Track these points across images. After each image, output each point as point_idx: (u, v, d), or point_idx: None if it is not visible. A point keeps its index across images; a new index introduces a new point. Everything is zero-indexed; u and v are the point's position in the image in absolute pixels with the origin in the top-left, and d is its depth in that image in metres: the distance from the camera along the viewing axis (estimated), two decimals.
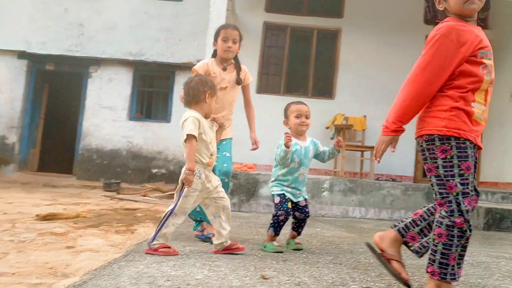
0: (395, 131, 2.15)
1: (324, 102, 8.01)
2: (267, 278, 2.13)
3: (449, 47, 1.93)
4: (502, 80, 7.68)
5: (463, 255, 1.91)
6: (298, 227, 3.13)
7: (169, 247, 2.67)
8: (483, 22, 2.09)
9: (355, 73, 8.03)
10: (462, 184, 1.87)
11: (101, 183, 8.08)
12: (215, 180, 2.83)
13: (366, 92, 7.85)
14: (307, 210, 3.08)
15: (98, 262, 2.41)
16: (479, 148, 1.97)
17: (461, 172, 1.88)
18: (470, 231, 1.87)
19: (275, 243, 2.98)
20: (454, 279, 1.90)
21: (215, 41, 3.42)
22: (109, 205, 5.63)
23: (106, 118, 9.03)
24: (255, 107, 8.06)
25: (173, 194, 6.84)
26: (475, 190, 1.94)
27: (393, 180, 7.51)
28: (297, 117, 3.07)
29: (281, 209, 2.96)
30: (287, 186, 3.04)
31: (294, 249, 3.04)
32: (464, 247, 1.89)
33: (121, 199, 6.34)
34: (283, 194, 3.01)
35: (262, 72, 8.32)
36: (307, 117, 3.08)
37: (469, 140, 1.90)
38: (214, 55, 3.51)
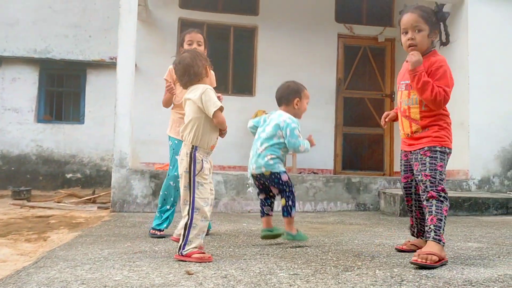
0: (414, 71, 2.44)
1: (245, 99, 8.00)
2: (192, 274, 2.03)
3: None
4: None
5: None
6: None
7: (203, 253, 2.38)
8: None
9: (274, 69, 8.11)
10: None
11: (9, 191, 7.41)
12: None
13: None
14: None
15: (4, 272, 2.16)
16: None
17: None
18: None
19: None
20: None
21: (181, 46, 3.57)
22: (18, 214, 5.18)
23: (11, 121, 8.30)
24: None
25: (90, 199, 6.53)
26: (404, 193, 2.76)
27: (315, 173, 7.70)
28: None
29: (292, 184, 3.04)
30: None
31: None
32: None
33: (32, 207, 5.85)
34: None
35: None
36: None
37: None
38: None
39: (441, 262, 2.28)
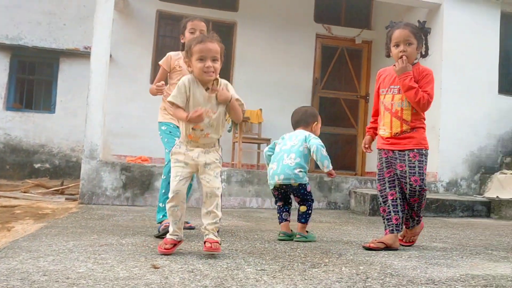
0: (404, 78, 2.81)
1: None
2: (158, 267, 2.01)
3: None
4: None
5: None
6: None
7: (167, 242, 2.40)
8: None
9: (251, 67, 8.11)
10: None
11: None
12: (207, 158, 2.45)
13: (262, 85, 7.96)
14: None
15: None
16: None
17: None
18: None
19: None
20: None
21: (182, 34, 3.35)
22: None
23: None
24: (148, 98, 7.76)
25: (58, 190, 6.39)
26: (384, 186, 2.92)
27: None
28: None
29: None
30: None
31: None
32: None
33: None
34: None
35: (156, 62, 7.98)
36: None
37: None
38: (183, 48, 3.26)
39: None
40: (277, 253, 2.53)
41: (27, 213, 4.31)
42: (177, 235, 2.44)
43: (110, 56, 6.02)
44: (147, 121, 7.48)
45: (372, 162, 8.41)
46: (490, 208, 5.54)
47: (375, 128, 3.04)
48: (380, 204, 2.93)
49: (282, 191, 3.21)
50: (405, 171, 2.78)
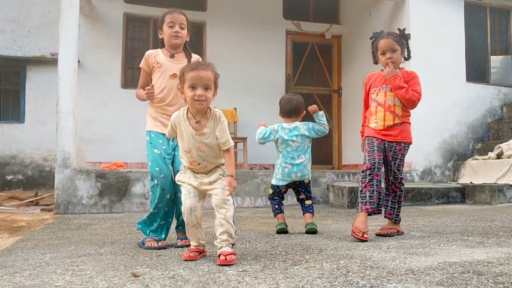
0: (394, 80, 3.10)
1: None
2: (138, 276, 1.98)
3: None
4: (355, 71, 8.39)
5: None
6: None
7: (191, 249, 2.44)
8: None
9: (223, 66, 8.01)
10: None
11: None
12: (211, 178, 2.42)
13: (234, 84, 7.94)
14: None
15: None
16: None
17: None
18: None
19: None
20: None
21: (160, 29, 3.08)
22: None
23: None
24: (121, 102, 7.68)
25: (32, 201, 6.24)
26: (374, 167, 3.06)
27: (266, 168, 7.74)
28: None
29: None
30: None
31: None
32: None
33: None
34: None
35: (126, 66, 7.92)
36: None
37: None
38: (162, 44, 3.12)
39: (398, 232, 3.13)
40: (258, 253, 2.53)
41: (1, 227, 4.20)
42: (203, 246, 2.45)
43: (79, 61, 5.90)
44: (120, 126, 7.39)
45: (348, 155, 8.51)
46: (464, 194, 5.68)
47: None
48: (363, 180, 3.06)
49: (291, 187, 3.50)
50: (390, 161, 3.13)
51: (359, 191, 3.08)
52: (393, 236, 3.09)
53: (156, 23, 7.97)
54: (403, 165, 3.16)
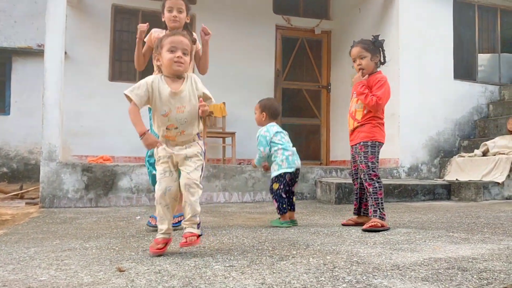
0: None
1: None
2: (124, 270, 1.96)
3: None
4: (344, 66, 8.40)
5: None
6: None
7: (157, 240, 2.36)
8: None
9: (212, 60, 7.87)
10: None
11: None
12: (188, 152, 2.40)
13: (223, 79, 7.90)
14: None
15: None
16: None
17: None
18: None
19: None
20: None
21: (162, 13, 3.42)
22: None
23: None
24: (108, 95, 7.60)
25: (17, 195, 6.16)
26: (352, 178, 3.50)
27: None
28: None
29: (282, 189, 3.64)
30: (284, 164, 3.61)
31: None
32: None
33: None
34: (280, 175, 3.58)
35: (114, 58, 7.84)
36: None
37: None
38: (165, 26, 3.46)
39: (383, 227, 3.16)
40: (245, 248, 2.53)
41: None
42: (169, 234, 2.40)
43: (66, 53, 5.82)
44: (107, 119, 7.31)
45: (336, 151, 8.54)
46: (450, 191, 5.73)
47: None
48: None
49: (292, 177, 3.58)
50: (358, 161, 3.34)
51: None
52: (379, 231, 3.13)
53: (145, 15, 7.95)
54: (367, 162, 3.27)
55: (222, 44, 8.15)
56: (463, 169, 6.29)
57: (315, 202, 5.63)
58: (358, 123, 3.33)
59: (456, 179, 6.05)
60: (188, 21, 3.46)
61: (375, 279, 1.80)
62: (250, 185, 5.86)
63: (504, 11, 7.86)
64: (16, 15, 8.03)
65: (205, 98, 2.46)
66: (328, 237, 2.91)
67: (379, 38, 3.39)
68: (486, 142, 6.32)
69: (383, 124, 3.37)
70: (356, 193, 3.46)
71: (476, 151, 6.34)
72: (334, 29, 8.82)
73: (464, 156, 6.50)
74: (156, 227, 2.80)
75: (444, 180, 6.19)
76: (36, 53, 7.82)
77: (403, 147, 6.61)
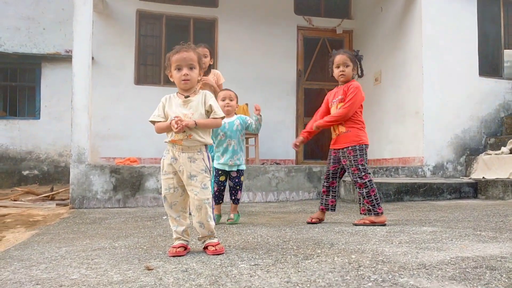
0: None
1: None
2: (152, 269, 2.02)
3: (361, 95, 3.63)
4: (366, 66, 8.33)
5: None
6: (230, 195, 3.79)
7: (175, 247, 2.40)
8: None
9: (234, 61, 8.10)
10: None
11: None
12: (192, 169, 2.42)
13: (246, 80, 7.96)
14: (237, 180, 3.77)
15: None
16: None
17: None
18: None
19: (215, 211, 3.66)
20: None
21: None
22: None
23: None
24: (134, 98, 7.76)
25: (48, 196, 6.35)
26: (327, 177, 3.71)
27: (277, 163, 7.76)
28: (222, 100, 3.75)
29: (214, 181, 3.71)
30: (221, 157, 3.74)
31: (229, 224, 3.66)
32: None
33: None
34: (216, 168, 3.74)
35: (139, 62, 7.99)
36: (231, 100, 3.77)
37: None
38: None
39: (380, 222, 3.41)
40: (270, 247, 2.56)
41: (18, 221, 4.28)
42: (186, 240, 2.46)
43: (92, 58, 5.97)
44: (134, 122, 7.46)
45: None
46: (477, 189, 5.64)
47: (309, 133, 3.77)
48: (323, 186, 3.75)
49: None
50: (347, 164, 3.55)
51: (321, 193, 3.78)
52: (369, 226, 3.40)
53: (169, 19, 8.09)
54: (357, 164, 3.50)
55: (244, 45, 8.21)
56: (490, 167, 6.17)
57: (339, 202, 5.61)
58: (344, 127, 3.58)
59: (483, 177, 5.95)
60: (211, 63, 4.24)
61: (401, 278, 1.80)
62: (274, 185, 5.89)
63: None
64: (44, 22, 8.26)
65: (210, 109, 2.50)
66: (352, 236, 2.92)
67: (358, 53, 3.73)
68: None
69: (365, 126, 3.68)
70: (334, 191, 3.72)
71: (503, 149, 6.21)
72: (356, 29, 8.77)
73: (490, 154, 6.37)
74: None
75: (470, 179, 6.09)
76: (64, 58, 8.03)
77: (428, 145, 6.52)
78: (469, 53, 6.90)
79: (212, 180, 3.88)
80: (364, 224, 3.42)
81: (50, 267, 2.12)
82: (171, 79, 2.56)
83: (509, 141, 6.27)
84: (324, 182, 3.74)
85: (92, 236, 3.14)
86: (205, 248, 2.44)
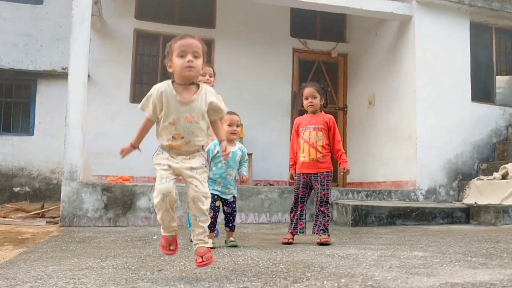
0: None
1: None
2: None
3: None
4: (361, 89, 8.44)
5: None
6: (228, 221, 3.65)
7: (167, 240, 2.37)
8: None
9: (231, 82, 8.15)
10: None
11: None
12: (193, 163, 2.31)
13: (242, 101, 8.00)
14: (234, 205, 3.64)
15: None
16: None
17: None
18: None
19: (210, 240, 3.43)
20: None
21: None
22: None
23: None
24: (129, 116, 7.79)
25: (38, 214, 6.28)
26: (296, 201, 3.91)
27: (271, 185, 7.75)
28: (229, 125, 3.59)
29: (210, 207, 3.35)
30: (217, 185, 3.56)
31: (230, 246, 3.51)
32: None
33: None
34: (212, 194, 3.37)
35: (135, 81, 8.03)
36: (237, 126, 3.64)
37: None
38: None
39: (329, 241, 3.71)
40: (259, 269, 2.54)
41: (6, 239, 4.23)
42: (175, 230, 2.39)
43: (89, 76, 6.00)
44: (128, 140, 7.36)
45: (352, 173, 8.48)
46: (469, 214, 5.64)
47: (296, 164, 3.95)
48: (292, 211, 3.91)
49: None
50: (318, 188, 3.79)
51: (290, 218, 3.93)
52: (329, 244, 3.68)
53: (167, 39, 8.12)
54: (328, 189, 3.81)
55: (240, 66, 8.29)
56: (482, 192, 6.19)
57: (332, 224, 5.58)
58: (321, 154, 3.82)
59: (475, 202, 5.96)
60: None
61: None
62: (266, 206, 5.87)
63: None
64: (42, 39, 8.32)
65: (212, 108, 2.37)
66: (343, 259, 2.90)
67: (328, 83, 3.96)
68: (506, 165, 6.22)
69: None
70: (302, 214, 3.88)
71: (495, 174, 6.24)
72: (351, 52, 8.89)
73: (483, 179, 6.40)
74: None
75: (462, 204, 6.10)
76: (60, 75, 8.06)
77: (421, 169, 6.55)
78: (462, 78, 7.00)
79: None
80: (326, 243, 3.67)
81: (36, 286, 2.09)
82: (169, 70, 2.34)
83: (501, 166, 6.31)
84: (293, 206, 3.90)
85: (80, 255, 3.11)
86: (196, 255, 2.30)
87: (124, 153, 2.41)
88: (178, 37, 2.32)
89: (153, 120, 2.36)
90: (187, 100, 2.29)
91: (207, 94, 2.36)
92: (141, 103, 2.37)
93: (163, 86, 2.31)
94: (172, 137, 2.30)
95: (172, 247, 2.40)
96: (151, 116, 2.34)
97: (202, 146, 2.40)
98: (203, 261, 2.27)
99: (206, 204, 2.30)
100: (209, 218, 2.37)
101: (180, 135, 2.29)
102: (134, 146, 2.42)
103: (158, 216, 2.33)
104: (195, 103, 2.30)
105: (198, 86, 2.36)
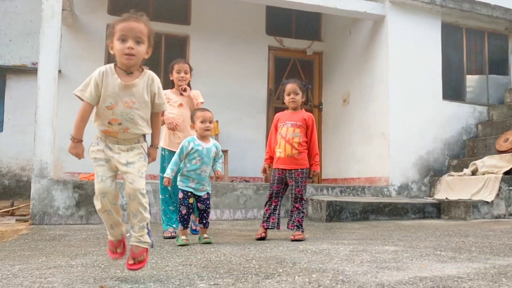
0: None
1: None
2: None
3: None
4: (335, 87, 8.51)
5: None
6: (202, 218, 3.62)
7: (113, 244, 2.30)
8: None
9: (206, 79, 8.08)
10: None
11: None
12: (129, 157, 2.17)
13: (217, 98, 7.94)
14: (208, 202, 3.61)
15: None
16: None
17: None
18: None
19: (183, 237, 3.47)
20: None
21: (171, 73, 4.21)
22: None
23: None
24: None
25: (8, 211, 6.11)
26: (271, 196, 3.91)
27: (247, 181, 7.75)
28: (202, 122, 3.58)
29: (183, 204, 3.53)
30: (191, 181, 3.54)
31: (204, 243, 3.49)
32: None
33: None
34: (186, 190, 3.53)
35: None
36: (210, 122, 3.61)
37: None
38: (172, 85, 4.26)
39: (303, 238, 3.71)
40: (232, 266, 2.53)
41: None
42: (121, 234, 2.31)
43: (60, 71, 5.87)
44: None
45: (327, 169, 8.58)
46: (440, 209, 5.76)
47: (272, 158, 3.95)
48: (266, 205, 3.91)
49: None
50: (293, 185, 3.79)
51: (263, 212, 3.93)
52: (303, 240, 3.68)
53: None
54: (304, 187, 3.82)
55: (216, 64, 8.25)
56: (453, 188, 6.33)
57: (306, 220, 5.62)
58: (297, 150, 3.80)
59: (446, 198, 6.09)
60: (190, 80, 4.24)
61: None
62: (242, 203, 5.87)
63: (491, 34, 8.02)
64: (11, 33, 8.11)
65: (154, 101, 2.23)
66: (315, 255, 2.92)
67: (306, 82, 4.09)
68: (475, 162, 6.38)
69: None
70: (276, 209, 3.87)
71: (466, 170, 6.39)
72: (326, 51, 8.95)
73: (453, 175, 6.55)
74: (172, 237, 3.60)
75: (434, 199, 6.22)
76: (30, 71, 7.87)
77: (393, 166, 6.66)
78: (433, 77, 7.13)
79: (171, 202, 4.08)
80: (300, 239, 3.67)
81: (0, 286, 2.03)
82: (111, 51, 2.17)
83: (471, 163, 6.46)
84: (267, 200, 3.91)
85: (49, 253, 3.04)
86: (130, 252, 2.18)
87: (76, 152, 2.18)
88: (121, 17, 2.15)
89: (92, 105, 2.17)
90: (128, 83, 2.14)
91: (154, 82, 2.22)
92: (79, 89, 2.19)
93: (104, 67, 2.19)
94: (109, 122, 2.14)
95: (119, 250, 2.30)
96: (91, 99, 2.15)
97: (144, 137, 2.25)
98: (134, 263, 2.13)
99: (144, 199, 2.16)
100: (149, 216, 2.21)
101: (118, 121, 2.14)
102: (76, 138, 2.17)
103: (103, 220, 2.25)
104: (136, 87, 2.16)
105: (142, 70, 2.22)
